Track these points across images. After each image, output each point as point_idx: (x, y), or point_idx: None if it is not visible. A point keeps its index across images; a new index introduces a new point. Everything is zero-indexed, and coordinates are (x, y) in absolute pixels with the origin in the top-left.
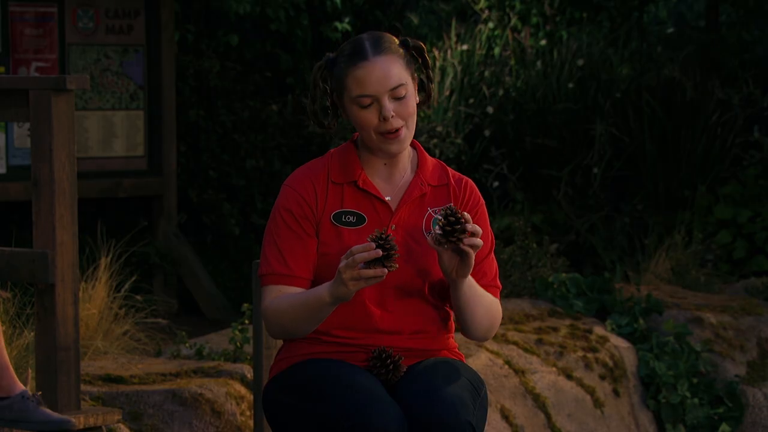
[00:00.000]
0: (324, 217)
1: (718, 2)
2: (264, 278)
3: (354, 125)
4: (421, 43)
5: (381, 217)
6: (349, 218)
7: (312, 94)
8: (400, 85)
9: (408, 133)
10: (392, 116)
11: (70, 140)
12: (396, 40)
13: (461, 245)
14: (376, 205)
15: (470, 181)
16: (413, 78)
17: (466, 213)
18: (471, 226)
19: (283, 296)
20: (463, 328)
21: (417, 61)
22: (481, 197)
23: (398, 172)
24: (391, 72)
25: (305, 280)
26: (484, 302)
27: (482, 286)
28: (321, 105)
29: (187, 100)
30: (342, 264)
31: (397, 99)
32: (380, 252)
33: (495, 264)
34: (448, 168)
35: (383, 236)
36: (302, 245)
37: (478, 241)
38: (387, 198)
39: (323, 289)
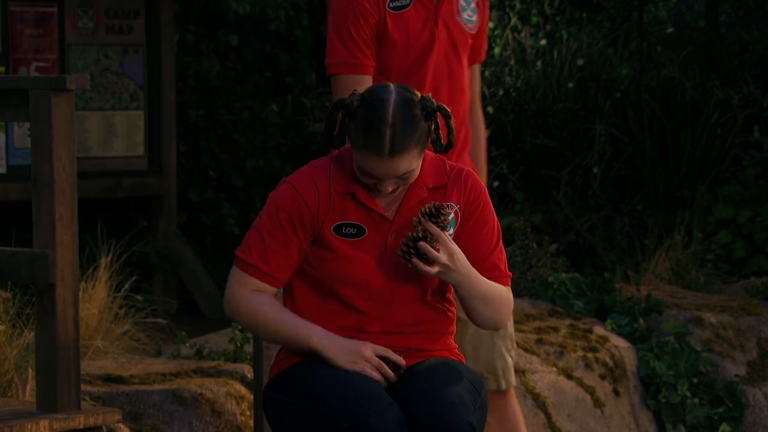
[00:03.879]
0: (325, 226)
1: (717, 2)
2: (241, 263)
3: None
4: (448, 109)
5: (380, 227)
6: (349, 230)
7: (327, 124)
8: (408, 172)
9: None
10: (390, 190)
11: (70, 140)
12: (421, 121)
13: (407, 262)
14: (375, 216)
15: (469, 172)
16: (424, 147)
17: (440, 235)
18: (425, 249)
19: (272, 304)
20: (468, 318)
21: (433, 122)
22: (481, 186)
23: None
24: (401, 167)
25: (281, 281)
26: (480, 298)
27: (494, 278)
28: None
29: (187, 100)
30: (367, 351)
31: (401, 178)
32: (393, 377)
33: (503, 253)
34: (446, 162)
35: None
36: (288, 248)
37: (424, 268)
38: (387, 214)
39: (314, 331)
